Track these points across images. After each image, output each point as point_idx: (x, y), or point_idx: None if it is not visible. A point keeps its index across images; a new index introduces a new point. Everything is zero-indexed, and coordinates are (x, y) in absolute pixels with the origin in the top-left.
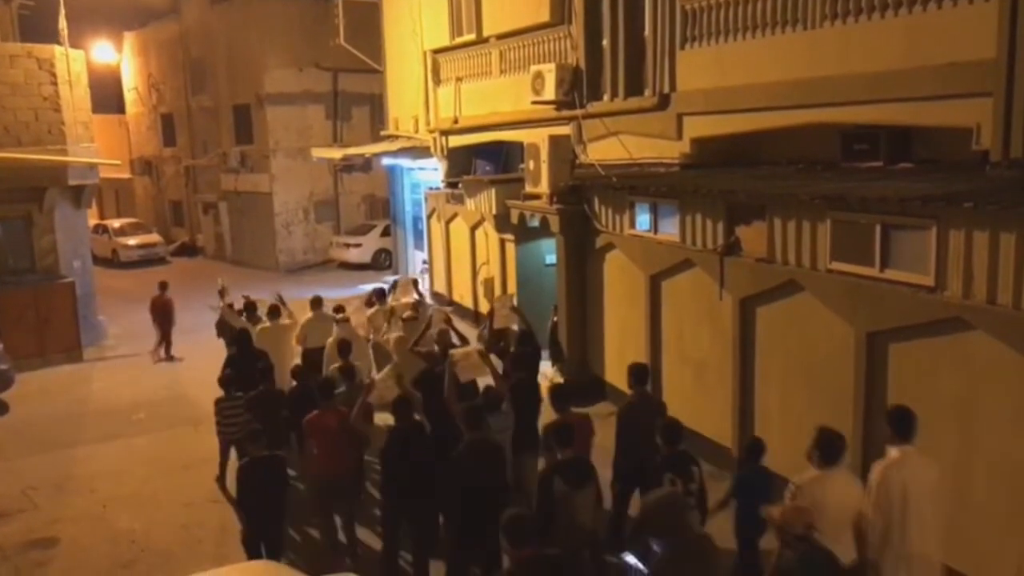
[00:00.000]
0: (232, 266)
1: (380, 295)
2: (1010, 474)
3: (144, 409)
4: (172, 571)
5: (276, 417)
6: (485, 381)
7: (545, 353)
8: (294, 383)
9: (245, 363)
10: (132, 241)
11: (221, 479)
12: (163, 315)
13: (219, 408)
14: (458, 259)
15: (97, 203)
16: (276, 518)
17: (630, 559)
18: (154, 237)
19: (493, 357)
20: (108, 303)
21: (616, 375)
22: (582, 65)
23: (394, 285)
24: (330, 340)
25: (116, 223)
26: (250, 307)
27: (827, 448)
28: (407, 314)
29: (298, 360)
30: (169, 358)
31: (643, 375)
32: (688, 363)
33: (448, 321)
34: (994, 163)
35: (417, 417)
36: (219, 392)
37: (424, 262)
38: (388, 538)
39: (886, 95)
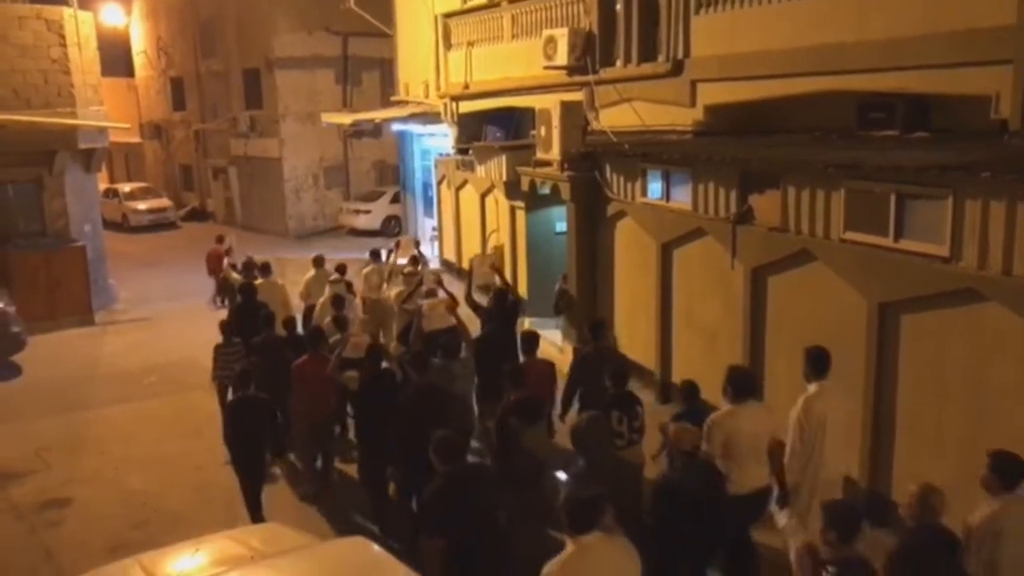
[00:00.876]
0: (242, 231)
1: (375, 256)
2: (1019, 446)
3: (155, 372)
4: (184, 532)
5: (277, 361)
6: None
7: (553, 321)
8: (285, 333)
9: (248, 313)
10: (142, 206)
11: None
12: (218, 266)
13: (218, 354)
14: (468, 226)
15: (107, 167)
16: (260, 453)
17: (560, 475)
18: (164, 202)
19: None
20: (118, 267)
21: (626, 343)
22: (595, 30)
23: (397, 244)
24: (322, 299)
25: (126, 187)
26: (248, 266)
27: (738, 385)
28: (408, 269)
29: (295, 313)
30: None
31: (599, 329)
32: (699, 332)
33: (438, 281)
34: (1012, 132)
35: (385, 365)
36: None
37: (434, 229)
38: (367, 478)
39: (903, 62)
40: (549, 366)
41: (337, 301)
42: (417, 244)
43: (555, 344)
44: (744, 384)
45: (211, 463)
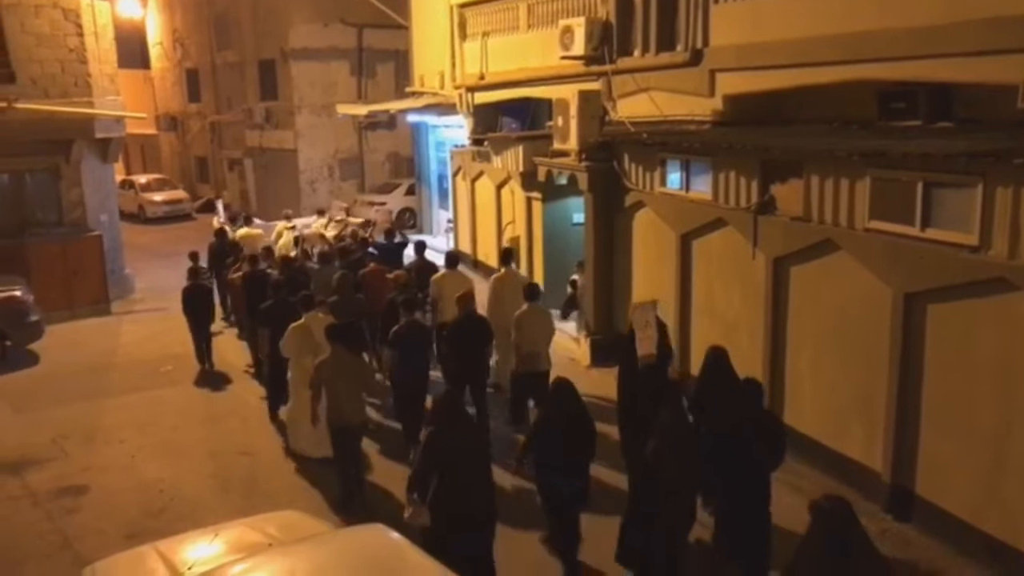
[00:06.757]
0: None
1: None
2: None
3: (171, 362)
4: (200, 519)
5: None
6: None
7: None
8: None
9: (221, 248)
10: (158, 197)
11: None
12: None
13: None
14: (483, 218)
15: (123, 159)
16: (205, 320)
17: None
18: (180, 193)
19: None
20: (135, 258)
21: None
22: (612, 19)
23: (320, 212)
24: (283, 240)
25: (142, 179)
26: (239, 217)
27: (447, 260)
28: (339, 217)
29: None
30: None
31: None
32: (719, 323)
33: (354, 233)
34: None
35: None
36: (251, 343)
37: (449, 221)
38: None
39: (926, 51)
40: (381, 271)
41: (297, 239)
42: (347, 210)
43: (570, 335)
44: (452, 259)
45: (227, 451)
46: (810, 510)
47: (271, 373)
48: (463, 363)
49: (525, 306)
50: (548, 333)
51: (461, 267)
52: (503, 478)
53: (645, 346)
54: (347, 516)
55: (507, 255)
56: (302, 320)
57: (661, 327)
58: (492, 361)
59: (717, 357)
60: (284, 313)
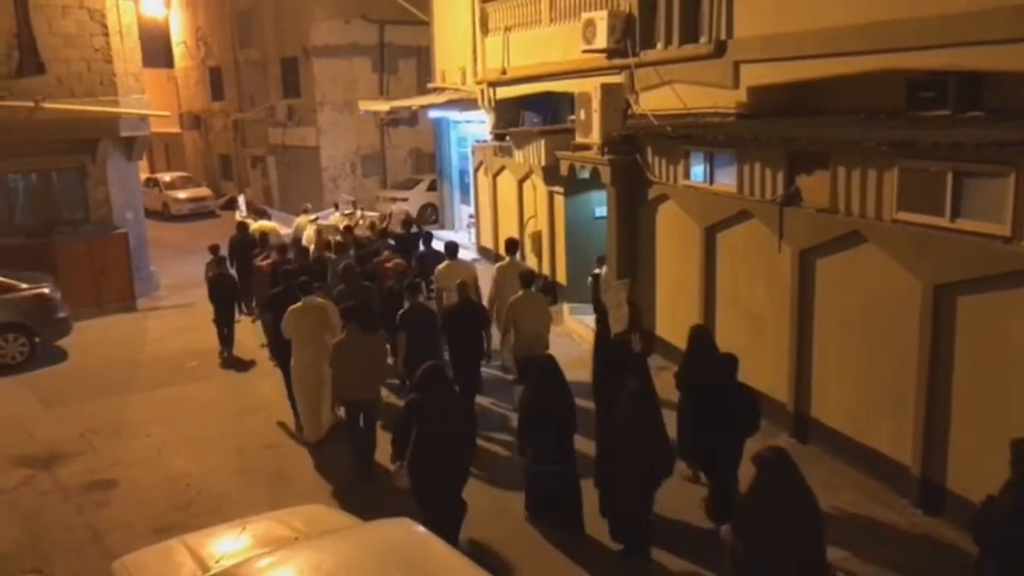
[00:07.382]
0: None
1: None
2: None
3: (196, 358)
4: (227, 514)
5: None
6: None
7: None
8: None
9: (242, 240)
10: (182, 195)
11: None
12: None
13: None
14: (505, 213)
15: (148, 157)
16: (229, 308)
17: None
18: (204, 191)
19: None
20: (159, 255)
21: (668, 330)
22: (635, 12)
23: (336, 205)
24: (307, 232)
25: (166, 177)
26: (257, 211)
27: (449, 249)
28: (348, 211)
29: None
30: None
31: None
32: (744, 317)
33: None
34: None
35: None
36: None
37: (470, 216)
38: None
39: (956, 39)
40: (384, 261)
41: (319, 232)
42: (354, 203)
43: (591, 328)
44: (452, 248)
45: (253, 445)
46: (753, 461)
47: (276, 355)
48: (458, 345)
49: (520, 292)
50: (546, 319)
51: (478, 261)
52: (496, 450)
53: (619, 323)
54: (363, 486)
55: (512, 245)
56: (300, 303)
57: (633, 305)
58: (496, 344)
59: (699, 335)
60: (288, 299)
